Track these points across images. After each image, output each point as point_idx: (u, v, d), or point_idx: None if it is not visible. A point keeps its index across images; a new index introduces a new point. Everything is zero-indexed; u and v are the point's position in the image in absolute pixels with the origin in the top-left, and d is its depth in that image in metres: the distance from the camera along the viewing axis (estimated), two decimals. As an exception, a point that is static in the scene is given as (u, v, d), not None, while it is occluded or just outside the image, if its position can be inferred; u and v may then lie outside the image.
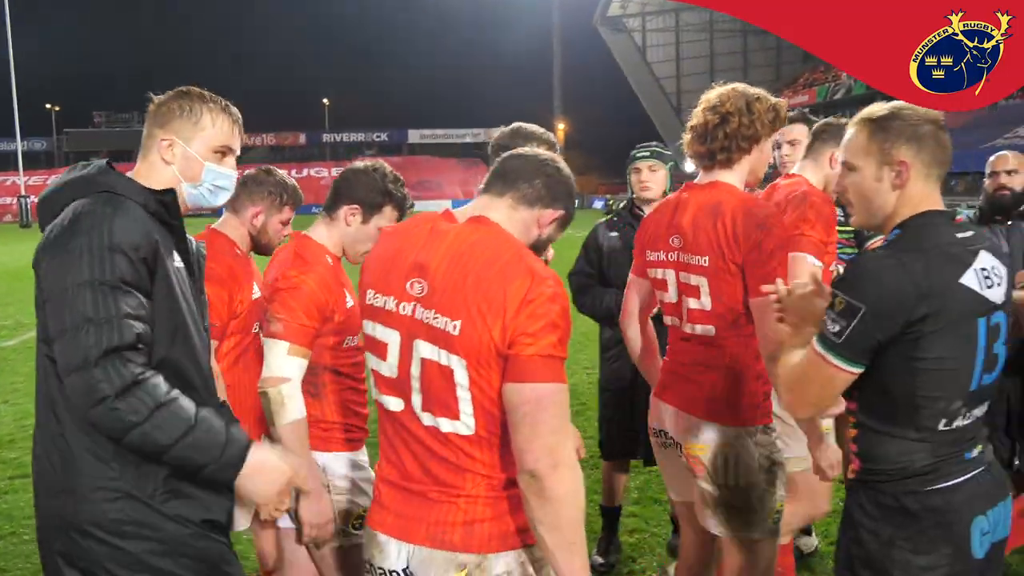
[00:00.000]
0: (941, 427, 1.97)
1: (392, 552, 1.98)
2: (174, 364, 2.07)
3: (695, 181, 2.91)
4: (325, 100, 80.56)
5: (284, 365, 2.59)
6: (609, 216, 4.44)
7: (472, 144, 77.59)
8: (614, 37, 62.16)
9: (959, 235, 2.00)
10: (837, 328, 1.94)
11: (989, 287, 1.97)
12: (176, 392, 1.97)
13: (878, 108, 2.08)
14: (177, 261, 2.14)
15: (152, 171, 2.17)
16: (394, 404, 1.97)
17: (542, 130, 3.19)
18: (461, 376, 1.85)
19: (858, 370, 1.95)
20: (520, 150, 2.14)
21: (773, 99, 2.91)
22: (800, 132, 3.85)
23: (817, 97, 49.91)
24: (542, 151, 2.15)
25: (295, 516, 2.69)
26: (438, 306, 1.86)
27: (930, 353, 1.92)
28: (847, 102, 48.33)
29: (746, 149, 2.78)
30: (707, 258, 2.71)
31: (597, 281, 4.23)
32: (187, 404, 1.97)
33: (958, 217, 2.06)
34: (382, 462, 2.06)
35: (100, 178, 2.08)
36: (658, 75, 63.04)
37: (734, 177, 2.81)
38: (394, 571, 1.98)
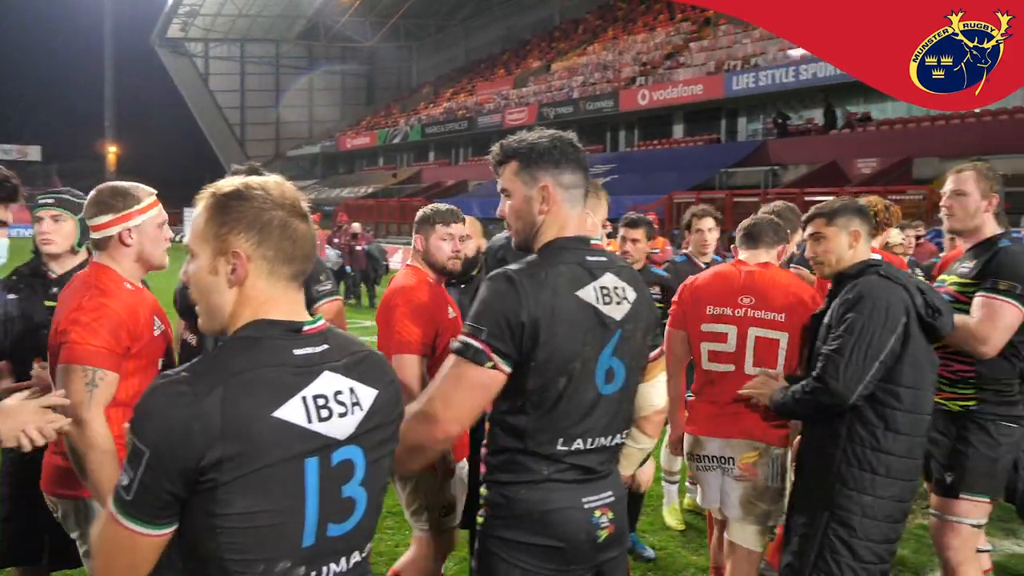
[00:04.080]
0: None
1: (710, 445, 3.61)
2: None
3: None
4: None
5: None
6: (10, 275, 3.55)
7: (5, 162, 68.42)
8: (174, 60, 59.15)
9: (299, 351, 1.63)
10: (127, 480, 1.53)
11: (325, 418, 1.61)
12: None
13: (227, 183, 1.70)
14: None
15: None
16: (727, 368, 3.60)
17: None
18: (783, 344, 3.52)
19: (156, 532, 1.55)
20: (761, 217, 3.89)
21: None
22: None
23: (378, 140, 52.06)
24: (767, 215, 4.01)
25: None
26: (765, 308, 3.57)
27: (233, 508, 1.52)
28: (405, 146, 51.15)
29: None
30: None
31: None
32: None
33: (306, 328, 1.67)
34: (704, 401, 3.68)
35: None
36: (221, 104, 61.13)
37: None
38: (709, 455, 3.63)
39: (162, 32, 57.85)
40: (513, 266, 2.23)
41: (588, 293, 2.21)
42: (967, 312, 3.45)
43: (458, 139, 46.28)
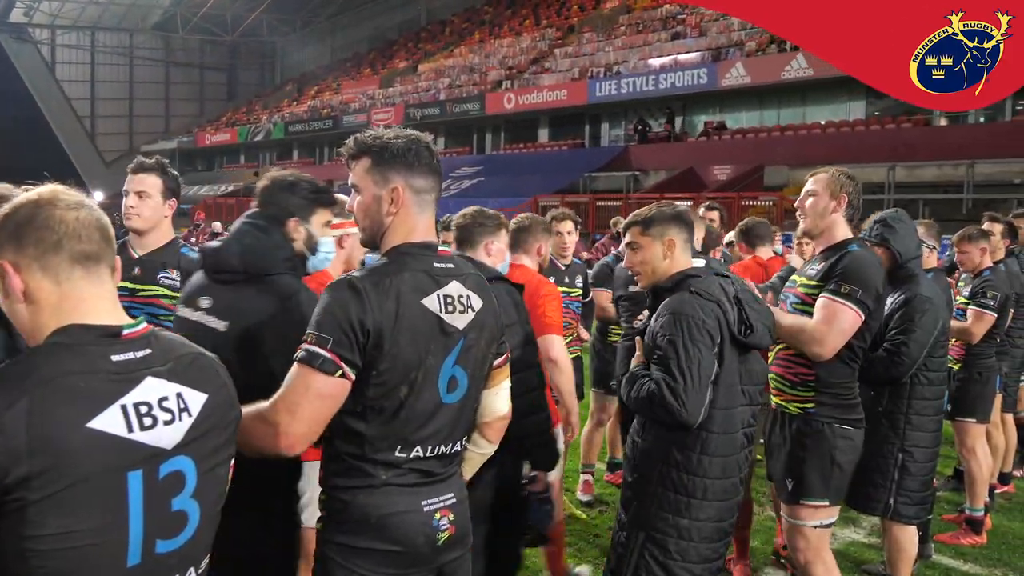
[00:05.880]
0: None
1: None
2: None
3: None
4: None
5: None
6: None
7: None
8: (16, 46, 55.69)
9: (118, 357, 1.54)
10: None
11: (148, 427, 1.53)
12: None
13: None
14: None
15: None
16: None
17: None
18: None
19: None
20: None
21: None
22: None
23: (239, 137, 50.45)
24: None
25: None
26: None
27: (45, 529, 1.42)
28: (268, 144, 49.85)
29: None
30: None
31: None
32: None
33: (126, 332, 1.58)
34: None
35: None
36: (70, 95, 57.90)
37: None
38: None
39: (3, 16, 54.29)
40: (356, 273, 2.19)
41: (432, 301, 2.20)
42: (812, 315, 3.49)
43: (323, 138, 45.40)
